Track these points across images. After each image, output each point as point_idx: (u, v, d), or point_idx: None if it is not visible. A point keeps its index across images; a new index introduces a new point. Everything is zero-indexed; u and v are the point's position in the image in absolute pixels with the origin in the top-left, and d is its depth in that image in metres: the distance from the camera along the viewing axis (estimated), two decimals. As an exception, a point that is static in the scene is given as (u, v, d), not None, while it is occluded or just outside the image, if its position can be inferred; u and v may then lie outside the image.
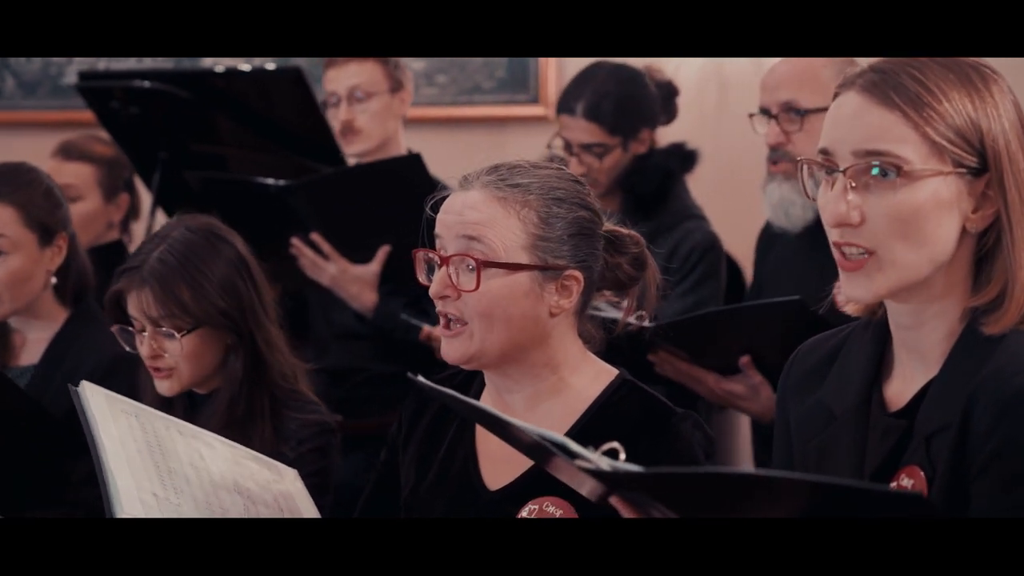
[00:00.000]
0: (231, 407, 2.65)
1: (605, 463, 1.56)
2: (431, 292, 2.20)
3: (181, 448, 2.06)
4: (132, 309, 2.65)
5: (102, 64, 5.14)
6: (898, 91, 1.77)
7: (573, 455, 1.58)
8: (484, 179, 2.19)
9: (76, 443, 2.82)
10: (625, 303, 2.36)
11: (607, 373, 2.25)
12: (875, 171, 1.76)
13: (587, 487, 1.66)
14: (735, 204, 4.24)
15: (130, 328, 2.68)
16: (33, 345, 3.00)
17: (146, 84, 4.04)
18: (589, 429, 2.16)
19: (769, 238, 3.42)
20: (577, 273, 2.18)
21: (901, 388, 1.86)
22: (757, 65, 4.87)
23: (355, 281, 3.60)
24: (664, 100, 3.73)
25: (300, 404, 2.68)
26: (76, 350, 2.96)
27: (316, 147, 4.12)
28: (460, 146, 3.80)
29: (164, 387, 2.68)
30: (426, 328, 3.62)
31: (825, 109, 3.07)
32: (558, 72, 5.06)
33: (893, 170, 1.75)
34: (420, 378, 1.95)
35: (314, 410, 2.68)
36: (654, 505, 1.59)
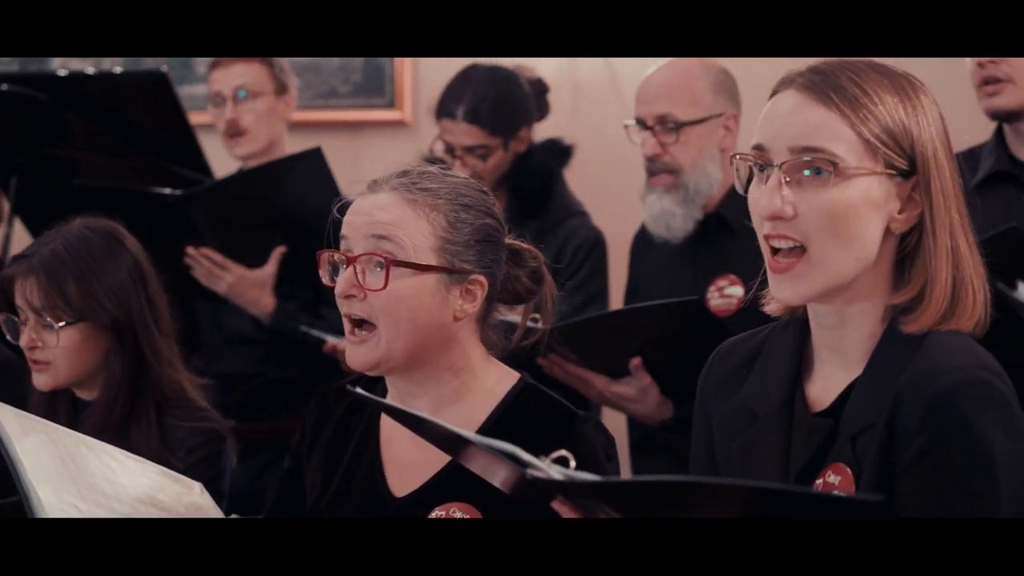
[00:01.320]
0: (108, 409, 2.64)
1: (557, 472, 1.59)
2: (337, 291, 2.21)
3: (93, 463, 2.04)
4: (18, 297, 2.64)
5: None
6: (837, 91, 1.83)
7: (524, 464, 1.61)
8: (394, 182, 2.22)
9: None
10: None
11: (509, 376, 2.28)
12: (808, 172, 1.82)
13: (524, 493, 1.68)
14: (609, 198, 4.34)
15: (15, 318, 2.65)
16: None
17: (3, 87, 3.96)
18: (493, 432, 2.16)
19: (644, 241, 3.48)
20: (482, 278, 2.21)
21: (823, 387, 1.91)
22: (608, 65, 4.96)
23: (252, 286, 3.59)
24: (537, 97, 3.78)
25: (188, 412, 2.67)
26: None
27: (179, 152, 4.09)
28: (316, 151, 3.80)
29: (40, 380, 2.66)
30: (330, 340, 3.61)
31: (700, 121, 3.24)
32: (414, 76, 5.06)
33: (828, 168, 1.81)
34: (359, 389, 1.97)
35: (203, 417, 2.67)
36: (601, 508, 1.62)
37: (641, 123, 3.32)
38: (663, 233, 3.32)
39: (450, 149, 3.68)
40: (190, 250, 3.60)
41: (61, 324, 2.61)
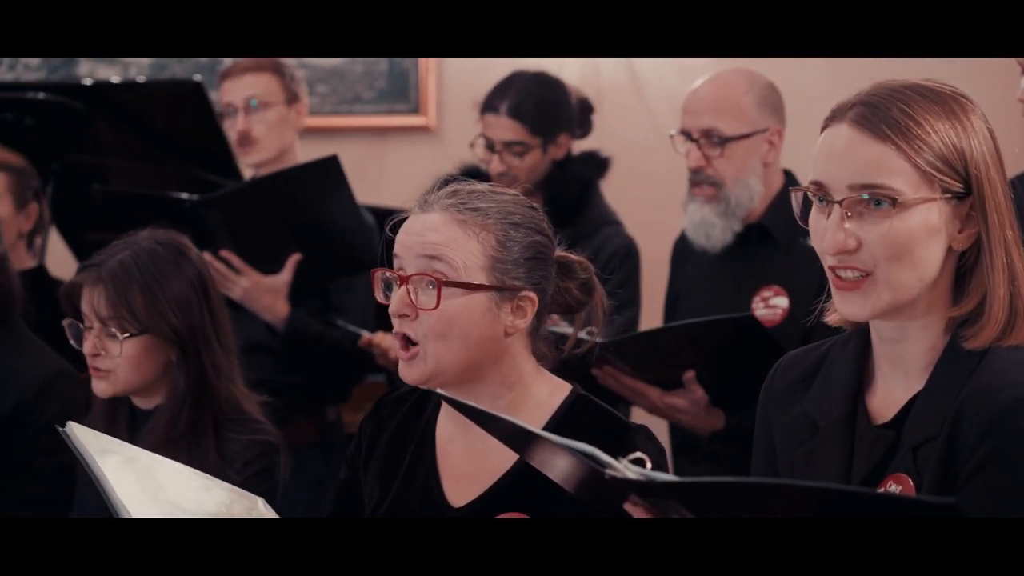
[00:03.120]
0: (171, 423, 2.67)
1: (635, 472, 1.64)
2: (391, 310, 2.24)
3: (167, 480, 2.08)
4: (84, 305, 2.68)
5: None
6: (889, 124, 1.87)
7: (603, 465, 1.66)
8: (444, 202, 2.25)
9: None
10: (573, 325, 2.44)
11: (562, 388, 2.31)
12: (867, 199, 1.87)
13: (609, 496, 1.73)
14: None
15: (80, 324, 2.69)
16: None
17: (40, 96, 4.00)
18: (547, 444, 2.22)
19: (685, 248, 3.52)
20: (532, 294, 2.25)
21: (885, 399, 1.96)
22: (631, 70, 5.00)
23: (267, 293, 3.62)
24: (581, 113, 3.84)
25: (244, 425, 2.71)
26: (6, 368, 2.92)
27: (212, 159, 4.13)
28: (340, 156, 3.83)
29: (99, 387, 2.70)
30: (365, 335, 3.65)
31: (745, 136, 3.28)
32: (438, 82, 5.11)
33: (887, 201, 1.87)
34: (440, 391, 2.00)
35: (258, 430, 2.71)
36: (675, 509, 1.67)
37: (686, 135, 3.35)
38: (702, 242, 3.36)
39: (490, 145, 3.74)
40: (206, 255, 3.63)
41: (126, 335, 2.65)
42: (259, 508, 2.18)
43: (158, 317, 2.66)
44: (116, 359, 2.66)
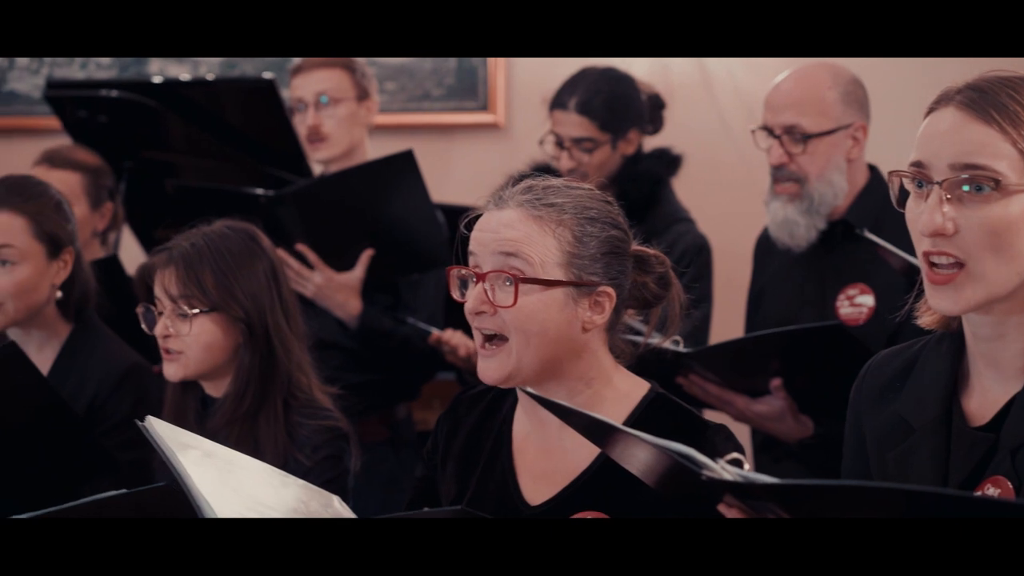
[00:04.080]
0: (238, 400, 2.70)
1: (733, 473, 1.63)
2: (467, 308, 2.23)
3: (244, 476, 2.08)
4: (156, 286, 2.72)
5: (45, 69, 5.09)
6: (997, 108, 1.84)
7: (699, 465, 1.64)
8: (519, 198, 2.23)
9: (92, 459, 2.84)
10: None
11: (641, 385, 2.30)
12: (968, 188, 1.84)
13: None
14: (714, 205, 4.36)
15: (153, 308, 2.72)
16: (35, 358, 2.96)
17: (114, 93, 4.02)
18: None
19: (769, 245, 3.48)
20: (609, 289, 2.23)
21: (982, 401, 1.93)
22: (698, 63, 4.97)
23: (340, 289, 3.61)
24: (652, 110, 3.82)
25: (314, 411, 2.72)
26: (83, 363, 2.94)
27: (282, 156, 4.14)
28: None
29: (171, 370, 2.72)
30: (435, 332, 3.66)
31: (828, 133, 3.24)
32: (507, 79, 5.10)
33: (989, 184, 1.83)
34: (529, 389, 1.99)
35: (327, 416, 2.72)
36: (771, 509, 1.65)
37: (768, 131, 3.32)
38: (786, 240, 3.32)
39: (559, 142, 3.73)
40: (280, 252, 3.64)
41: (195, 311, 2.68)
42: (335, 506, 2.17)
43: (228, 296, 2.69)
44: (186, 339, 2.69)
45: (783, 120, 3.27)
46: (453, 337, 3.64)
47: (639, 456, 1.78)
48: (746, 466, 1.70)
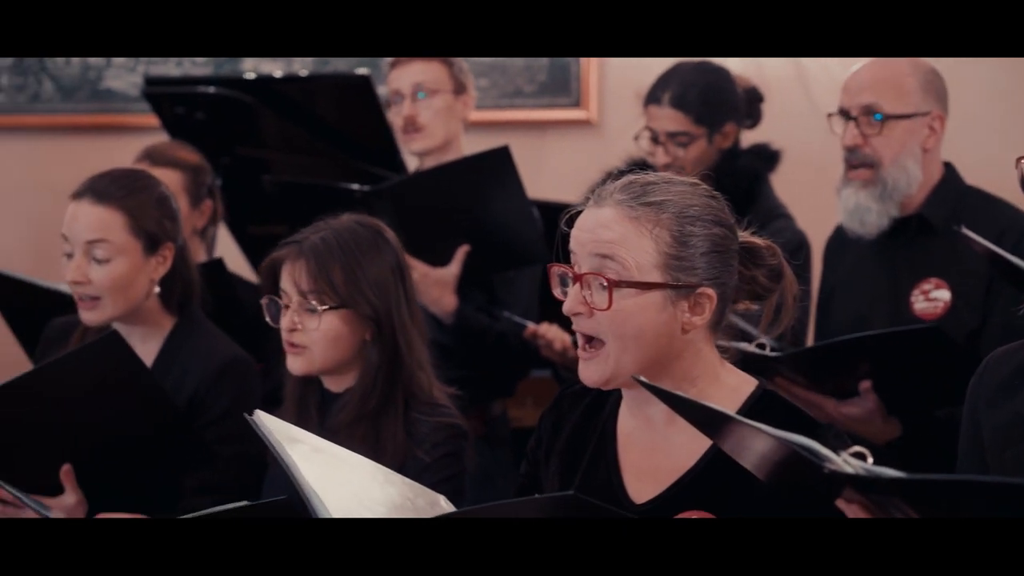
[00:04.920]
0: (364, 399, 2.69)
1: (858, 467, 1.60)
2: (564, 309, 2.20)
3: (350, 471, 2.08)
4: (284, 280, 2.72)
5: (141, 67, 5.14)
6: None
7: (821, 458, 1.62)
8: (617, 196, 2.19)
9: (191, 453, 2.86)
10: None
11: (748, 383, 2.26)
12: None
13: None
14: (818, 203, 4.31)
15: (278, 300, 2.72)
16: (138, 351, 2.98)
17: (211, 90, 4.05)
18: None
19: (840, 243, 3.45)
20: (710, 291, 2.18)
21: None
22: (796, 64, 4.93)
23: (436, 285, 3.61)
24: (749, 103, 3.79)
25: (432, 408, 2.72)
26: (185, 357, 2.95)
27: (377, 152, 4.15)
28: (501, 150, 3.83)
29: (295, 364, 2.72)
30: (531, 326, 3.64)
31: (906, 116, 3.20)
32: (600, 76, 5.07)
33: None
34: (642, 378, 1.96)
35: (445, 413, 2.72)
36: (896, 506, 1.62)
37: (844, 113, 3.27)
38: (857, 228, 3.28)
39: (655, 137, 3.71)
40: None
41: (324, 307, 2.67)
42: (441, 504, 2.17)
43: (357, 292, 2.68)
44: (313, 334, 2.69)
45: (860, 100, 3.24)
46: (549, 331, 3.63)
47: (755, 448, 1.76)
48: (869, 460, 1.66)
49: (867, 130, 3.23)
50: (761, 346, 2.66)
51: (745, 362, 2.49)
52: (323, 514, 1.92)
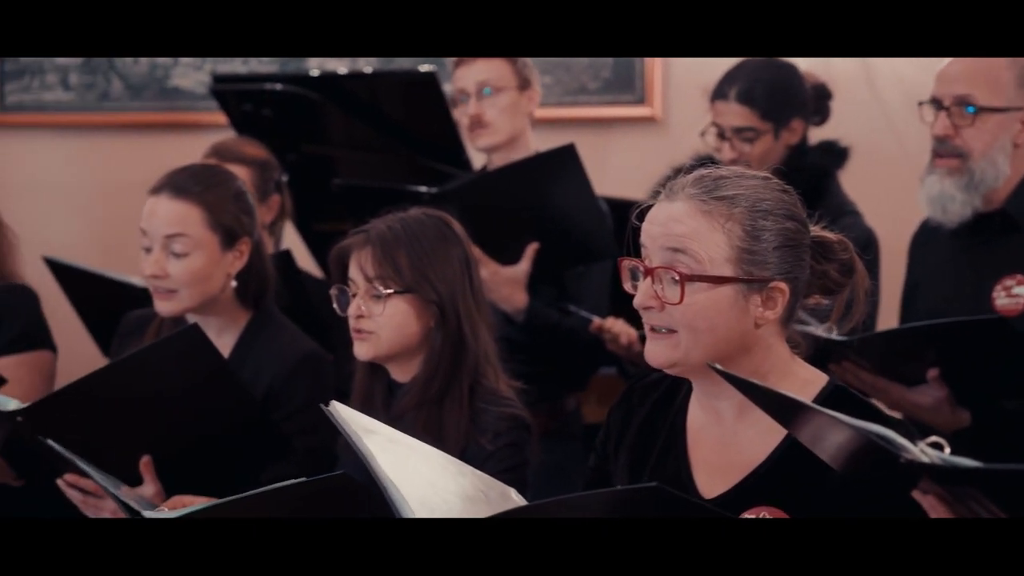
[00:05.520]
0: (427, 384, 2.72)
1: (935, 456, 1.59)
2: (635, 303, 2.20)
3: (423, 463, 2.09)
4: (352, 268, 2.76)
5: (208, 65, 5.18)
6: None
7: (898, 448, 1.61)
8: (689, 191, 2.19)
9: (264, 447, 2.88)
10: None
11: (818, 378, 2.25)
12: None
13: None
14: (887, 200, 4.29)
15: (347, 289, 2.76)
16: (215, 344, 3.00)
17: (278, 87, 4.07)
18: (803, 436, 2.17)
19: (925, 237, 3.43)
20: (782, 285, 2.18)
21: None
22: (908, 61, 4.89)
23: (506, 283, 3.62)
24: (817, 100, 3.77)
25: (497, 398, 2.74)
26: (260, 351, 2.97)
27: (442, 149, 4.16)
28: (565, 147, 3.83)
29: (361, 349, 2.75)
30: (596, 320, 3.65)
31: (1000, 110, 3.17)
32: (664, 73, 5.07)
33: None
34: (717, 366, 1.96)
35: (509, 404, 2.74)
36: (972, 496, 1.61)
37: (937, 103, 3.24)
38: (939, 216, 3.25)
39: (721, 133, 3.71)
40: None
41: (390, 291, 2.71)
42: (512, 497, 2.17)
43: (422, 278, 2.71)
44: (379, 319, 2.72)
45: (954, 90, 3.21)
46: (615, 325, 3.63)
47: (830, 437, 1.75)
48: (946, 450, 1.66)
49: (959, 121, 3.21)
50: (829, 329, 2.66)
51: (814, 346, 2.48)
52: (400, 503, 1.92)
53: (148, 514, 2.28)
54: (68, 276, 3.89)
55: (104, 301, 3.71)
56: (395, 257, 2.72)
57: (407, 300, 2.73)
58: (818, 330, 2.71)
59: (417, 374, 2.75)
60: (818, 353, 2.86)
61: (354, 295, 2.75)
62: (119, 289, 3.50)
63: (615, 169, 5.01)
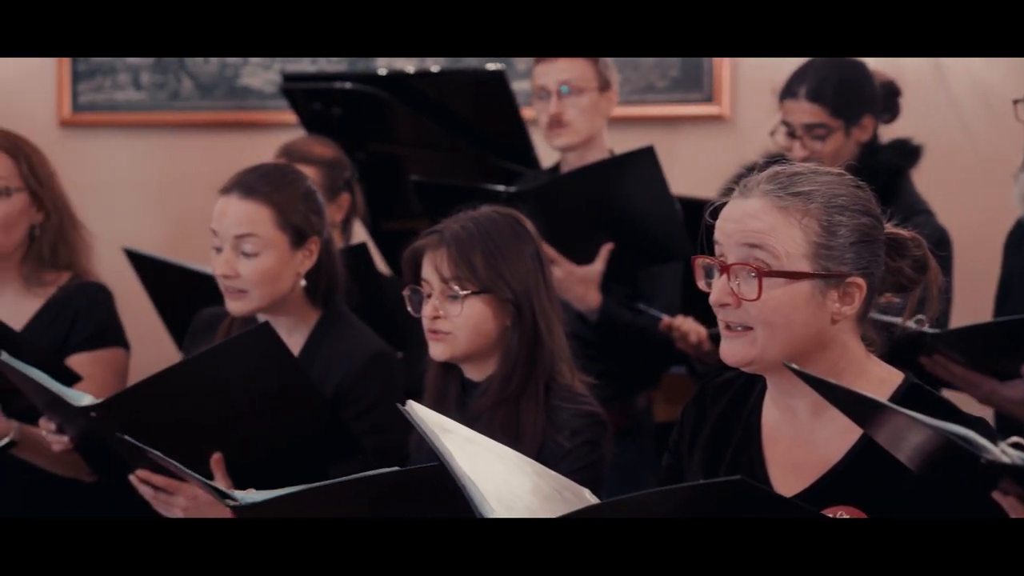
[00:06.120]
0: (504, 383, 2.72)
1: (1016, 457, 1.58)
2: (712, 300, 2.19)
3: (499, 463, 2.09)
4: (426, 269, 2.75)
5: (276, 65, 5.21)
6: None
7: (979, 448, 1.59)
8: (764, 187, 2.18)
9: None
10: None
11: (894, 376, 2.23)
12: None
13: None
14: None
15: (420, 290, 2.76)
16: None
17: (348, 86, 4.09)
18: (879, 435, 2.15)
19: (1021, 236, 3.40)
20: (859, 280, 2.17)
21: None
22: (936, 64, 4.85)
23: (580, 282, 3.63)
24: (886, 97, 3.75)
25: (572, 396, 2.73)
26: (328, 351, 2.98)
27: (511, 147, 4.16)
28: (633, 145, 3.81)
29: (437, 350, 2.75)
30: (665, 319, 3.65)
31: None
32: (732, 71, 5.05)
33: None
34: (793, 365, 1.95)
35: (585, 402, 2.73)
36: None
37: None
38: None
39: (791, 131, 3.69)
40: None
41: (466, 292, 2.70)
42: (586, 497, 2.17)
43: (498, 277, 2.71)
44: (456, 320, 2.72)
45: None
46: (684, 323, 3.63)
47: (908, 437, 1.74)
48: None
49: None
50: (919, 322, 2.65)
51: (900, 340, 2.46)
52: (479, 502, 1.92)
53: (240, 494, 2.28)
54: (146, 267, 3.92)
55: (181, 293, 3.74)
56: (471, 257, 2.71)
57: (483, 300, 2.73)
58: (909, 323, 2.69)
59: (493, 372, 2.75)
60: (907, 346, 2.84)
61: (428, 296, 2.75)
62: (197, 280, 3.52)
63: (683, 168, 4.98)
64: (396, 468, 2.15)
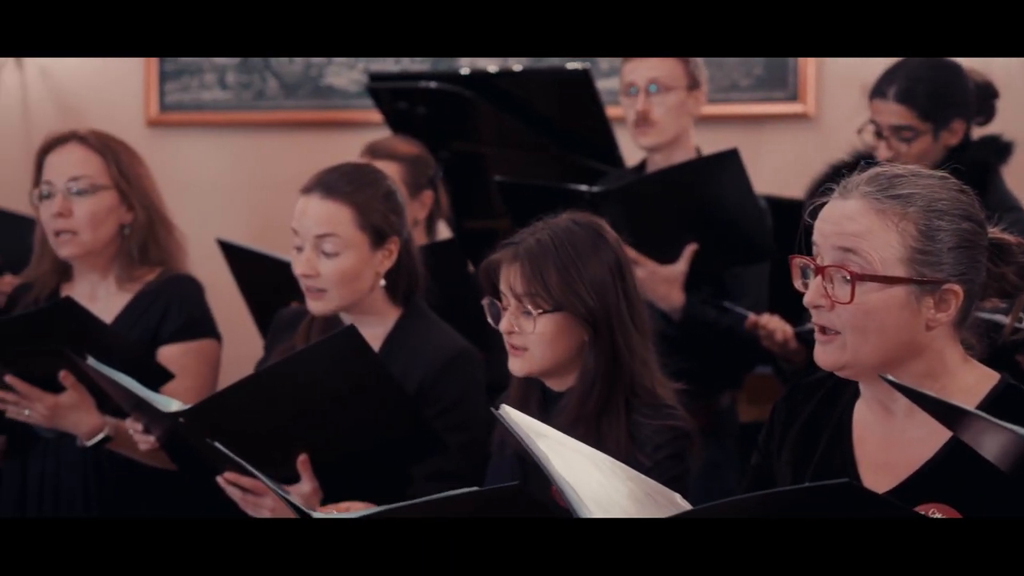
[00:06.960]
0: (582, 401, 2.67)
1: None
2: (805, 301, 2.17)
3: (591, 467, 2.08)
4: (502, 283, 2.72)
5: (360, 64, 5.23)
6: None
7: None
8: (863, 189, 2.15)
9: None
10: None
11: (989, 377, 2.20)
12: None
13: None
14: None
15: (498, 303, 2.73)
16: None
17: (433, 85, 4.10)
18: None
19: None
20: (956, 287, 2.13)
21: None
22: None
23: (664, 282, 3.62)
24: (982, 100, 3.69)
25: (656, 410, 2.68)
26: (409, 350, 2.98)
27: (594, 146, 4.15)
28: (717, 144, 3.78)
29: (515, 365, 2.72)
30: (752, 316, 3.63)
31: None
32: (817, 70, 5.01)
33: None
34: (889, 376, 1.93)
35: (669, 415, 2.68)
36: None
37: None
38: None
39: (879, 131, 3.65)
40: None
41: (540, 311, 2.66)
42: (678, 502, 2.16)
43: (572, 295, 2.65)
44: (530, 336, 2.67)
45: None
46: (771, 321, 3.60)
47: (998, 443, 1.71)
48: None
49: None
50: (1020, 319, 2.61)
51: (991, 347, 2.42)
52: (577, 504, 1.92)
53: (316, 514, 2.29)
54: (238, 258, 3.95)
55: (271, 284, 3.75)
56: (544, 274, 2.65)
57: (557, 318, 2.67)
58: (1015, 319, 2.66)
59: (572, 387, 2.71)
60: (1007, 346, 2.80)
61: (505, 308, 2.72)
62: (287, 272, 3.54)
63: (767, 166, 4.96)
64: (476, 488, 2.13)
